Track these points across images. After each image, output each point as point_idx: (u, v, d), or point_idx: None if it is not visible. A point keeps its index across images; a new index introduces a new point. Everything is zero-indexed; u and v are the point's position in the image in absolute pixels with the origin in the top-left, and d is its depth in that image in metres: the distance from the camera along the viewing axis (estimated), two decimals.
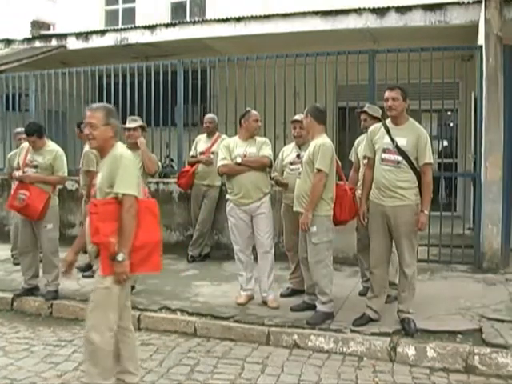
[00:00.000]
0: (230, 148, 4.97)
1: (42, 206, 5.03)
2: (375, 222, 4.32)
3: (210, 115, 6.99)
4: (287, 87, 6.84)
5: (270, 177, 5.18)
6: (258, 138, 5.08)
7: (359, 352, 4.06)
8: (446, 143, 10.22)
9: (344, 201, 4.56)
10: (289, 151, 5.21)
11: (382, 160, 4.23)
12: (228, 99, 7.12)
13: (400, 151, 4.14)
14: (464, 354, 3.82)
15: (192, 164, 6.84)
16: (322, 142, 4.41)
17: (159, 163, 5.51)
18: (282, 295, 5.13)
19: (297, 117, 5.14)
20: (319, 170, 4.32)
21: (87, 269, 5.78)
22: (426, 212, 4.14)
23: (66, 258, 3.33)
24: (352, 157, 5.33)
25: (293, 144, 5.25)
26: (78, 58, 9.55)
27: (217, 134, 6.84)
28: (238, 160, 4.86)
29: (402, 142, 4.15)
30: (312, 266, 4.45)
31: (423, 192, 4.15)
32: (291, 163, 5.08)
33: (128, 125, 5.35)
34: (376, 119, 4.94)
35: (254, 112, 5.06)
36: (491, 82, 6.01)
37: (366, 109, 5.13)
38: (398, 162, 4.15)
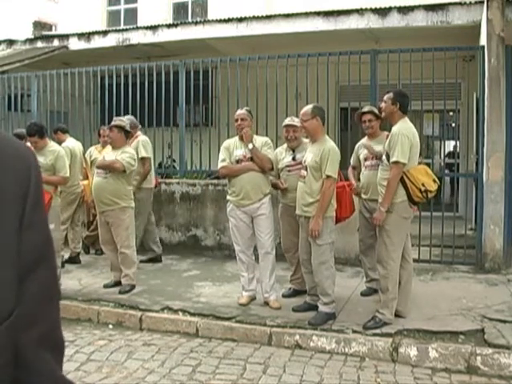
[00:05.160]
0: (230, 149, 4.90)
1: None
2: None
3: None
4: (289, 87, 6.83)
5: None
6: (258, 138, 5.00)
7: (361, 352, 4.06)
8: (448, 143, 10.21)
9: (343, 198, 4.62)
10: (283, 154, 5.05)
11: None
12: (230, 100, 7.12)
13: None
14: (466, 355, 3.82)
15: None
16: (330, 146, 4.41)
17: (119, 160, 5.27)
18: (284, 296, 5.12)
19: (288, 121, 4.98)
20: (329, 177, 4.32)
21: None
22: (382, 209, 4.19)
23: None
24: (353, 160, 5.36)
25: (284, 146, 5.11)
26: (80, 58, 9.55)
27: (136, 134, 6.53)
28: (249, 150, 4.79)
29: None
30: (315, 267, 4.44)
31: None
32: (287, 166, 4.97)
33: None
34: (379, 119, 4.98)
35: (237, 112, 4.95)
36: (493, 82, 6.00)
37: (372, 109, 5.15)
38: (382, 161, 4.41)
